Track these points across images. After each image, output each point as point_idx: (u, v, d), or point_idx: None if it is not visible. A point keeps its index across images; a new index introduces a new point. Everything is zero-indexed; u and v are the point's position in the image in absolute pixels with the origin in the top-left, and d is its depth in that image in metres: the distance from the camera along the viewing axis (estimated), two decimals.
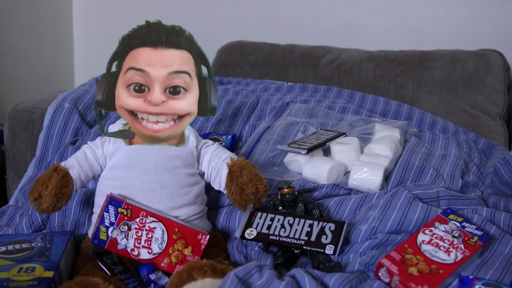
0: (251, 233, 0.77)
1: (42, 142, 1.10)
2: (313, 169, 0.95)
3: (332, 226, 0.75)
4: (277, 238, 0.76)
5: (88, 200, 0.89)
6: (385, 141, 1.02)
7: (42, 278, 0.68)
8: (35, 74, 1.93)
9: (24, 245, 0.76)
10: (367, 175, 0.92)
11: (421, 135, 1.19)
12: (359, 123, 1.17)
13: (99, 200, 0.79)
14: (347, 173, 0.98)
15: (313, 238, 0.74)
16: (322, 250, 0.73)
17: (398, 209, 0.78)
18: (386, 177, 0.96)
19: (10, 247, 0.75)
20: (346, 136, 1.07)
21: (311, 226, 0.76)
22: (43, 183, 0.75)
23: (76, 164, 0.79)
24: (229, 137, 1.10)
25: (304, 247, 0.74)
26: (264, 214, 0.80)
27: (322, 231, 0.75)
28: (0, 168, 1.30)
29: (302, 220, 0.77)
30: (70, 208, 0.88)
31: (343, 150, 1.00)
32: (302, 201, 0.83)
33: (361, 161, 0.96)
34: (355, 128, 1.14)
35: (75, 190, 0.79)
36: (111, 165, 0.80)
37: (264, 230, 0.77)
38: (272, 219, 0.79)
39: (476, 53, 1.46)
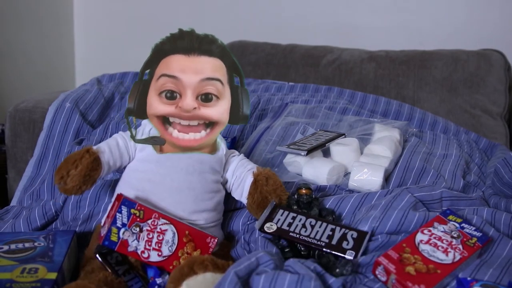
0: (270, 227, 0.77)
1: (42, 142, 1.10)
2: (313, 170, 0.96)
3: (355, 234, 0.75)
4: (297, 236, 0.75)
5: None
6: (384, 141, 1.02)
7: (45, 280, 0.68)
8: (36, 74, 1.94)
9: (26, 245, 0.76)
10: (367, 176, 0.92)
11: (422, 135, 1.20)
12: (359, 123, 1.17)
13: (123, 191, 0.78)
14: (347, 174, 0.98)
15: (334, 242, 0.74)
16: (343, 255, 0.72)
17: (398, 210, 0.79)
18: (386, 178, 0.96)
19: (12, 246, 0.75)
20: (345, 136, 1.07)
21: (333, 230, 0.76)
22: (74, 162, 0.74)
23: (107, 150, 0.78)
24: (229, 139, 1.10)
25: (324, 249, 0.73)
26: (286, 212, 0.79)
27: (343, 237, 0.74)
28: (1, 168, 1.31)
29: (324, 224, 0.77)
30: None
31: (343, 151, 1.00)
32: (317, 205, 0.83)
33: (361, 162, 0.96)
34: (355, 129, 1.14)
35: (100, 176, 0.78)
36: (141, 157, 0.80)
37: (285, 227, 0.77)
38: (293, 218, 0.78)
39: (477, 53, 1.46)
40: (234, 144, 1.11)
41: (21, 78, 1.84)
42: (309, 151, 0.99)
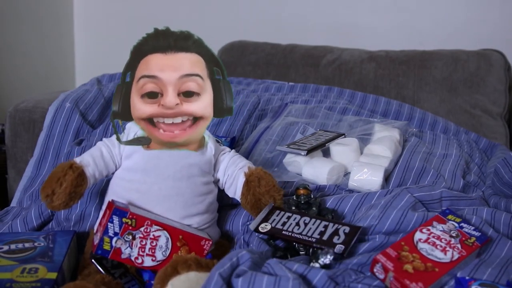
0: (265, 227, 0.77)
1: (42, 142, 1.10)
2: (312, 170, 0.96)
3: (347, 229, 0.75)
4: (289, 234, 0.76)
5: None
6: (384, 141, 1.03)
7: (46, 280, 0.68)
8: (36, 74, 1.94)
9: (26, 245, 0.76)
10: (367, 176, 0.92)
11: (422, 135, 1.20)
12: (358, 123, 1.17)
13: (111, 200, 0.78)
14: (346, 174, 0.98)
15: (325, 237, 0.74)
16: (332, 249, 0.72)
17: (398, 209, 0.79)
18: (386, 178, 0.96)
19: (12, 246, 0.76)
20: (345, 136, 1.07)
21: (325, 227, 0.76)
22: (58, 179, 0.73)
23: (91, 162, 0.78)
24: (228, 139, 1.10)
25: (314, 245, 0.74)
26: (282, 213, 0.79)
27: (335, 232, 0.75)
28: (1, 168, 1.31)
29: (318, 221, 0.77)
30: None
31: (343, 151, 1.00)
32: (317, 206, 0.83)
33: (361, 162, 0.97)
34: (355, 129, 1.14)
35: (87, 188, 0.78)
36: (127, 166, 0.79)
37: (279, 226, 0.77)
38: (288, 217, 0.78)
39: (477, 53, 1.46)
40: (233, 144, 1.11)
41: (21, 78, 1.84)
42: (309, 151, 0.99)
